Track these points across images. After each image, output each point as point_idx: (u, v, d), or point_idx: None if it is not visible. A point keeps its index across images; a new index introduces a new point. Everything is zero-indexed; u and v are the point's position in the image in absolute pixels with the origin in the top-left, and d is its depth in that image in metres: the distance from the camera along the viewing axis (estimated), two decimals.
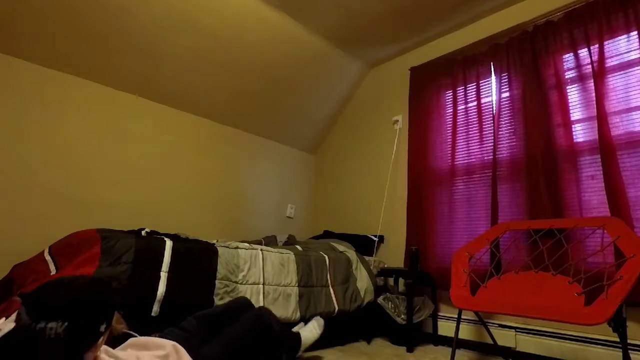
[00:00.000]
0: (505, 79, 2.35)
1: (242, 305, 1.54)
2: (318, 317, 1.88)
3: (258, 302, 1.78)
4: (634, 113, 1.85)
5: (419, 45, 3.00)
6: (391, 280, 2.68)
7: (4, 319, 0.89)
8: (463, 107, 2.54)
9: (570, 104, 2.07)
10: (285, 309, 1.88)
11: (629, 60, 1.91)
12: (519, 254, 1.99)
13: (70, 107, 2.30)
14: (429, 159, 2.64)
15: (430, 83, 2.77)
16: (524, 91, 2.23)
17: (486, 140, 2.38)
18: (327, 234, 3.21)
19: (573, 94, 2.07)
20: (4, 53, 2.08)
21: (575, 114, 2.05)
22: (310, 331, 1.74)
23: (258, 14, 2.51)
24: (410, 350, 2.12)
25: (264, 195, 3.30)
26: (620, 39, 1.94)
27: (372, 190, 3.12)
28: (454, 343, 1.59)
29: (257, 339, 1.41)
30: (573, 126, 2.03)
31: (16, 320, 0.74)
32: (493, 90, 2.39)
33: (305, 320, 1.95)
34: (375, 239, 2.86)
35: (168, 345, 1.05)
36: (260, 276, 1.87)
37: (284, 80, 3.05)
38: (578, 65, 2.06)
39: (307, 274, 2.08)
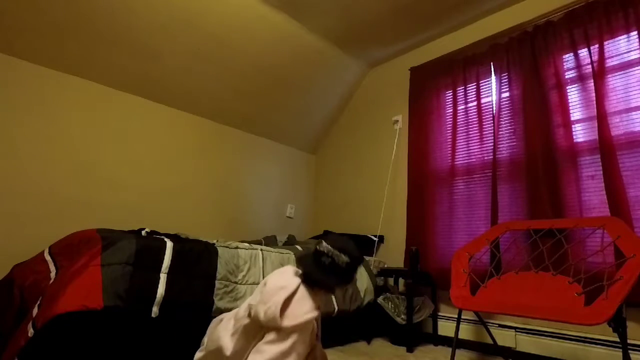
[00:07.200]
0: (505, 79, 2.35)
1: None
2: None
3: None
4: (634, 113, 1.85)
5: (419, 45, 3.00)
6: (391, 280, 2.68)
7: None
8: (463, 107, 2.54)
9: (570, 104, 2.06)
10: None
11: (629, 60, 1.91)
12: (519, 254, 1.99)
13: (70, 107, 2.30)
14: (429, 158, 2.64)
15: (430, 83, 2.77)
16: (524, 91, 2.23)
17: (486, 140, 2.38)
18: (327, 234, 3.20)
19: (573, 94, 2.07)
20: (4, 53, 2.09)
21: (575, 114, 2.05)
22: None
23: (258, 14, 2.51)
24: (410, 350, 2.12)
25: (264, 195, 3.30)
26: (620, 39, 1.94)
27: (372, 190, 3.12)
28: (454, 343, 1.59)
29: None
30: (573, 126, 2.03)
31: (317, 245, 1.10)
32: (493, 90, 2.39)
33: None
34: (375, 238, 2.86)
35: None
36: (260, 276, 1.86)
37: (284, 80, 3.05)
38: (578, 65, 2.06)
39: None
